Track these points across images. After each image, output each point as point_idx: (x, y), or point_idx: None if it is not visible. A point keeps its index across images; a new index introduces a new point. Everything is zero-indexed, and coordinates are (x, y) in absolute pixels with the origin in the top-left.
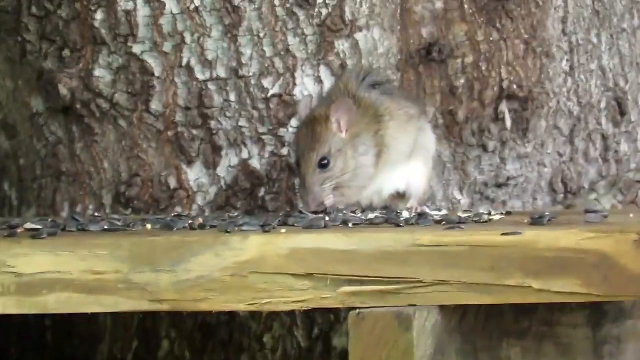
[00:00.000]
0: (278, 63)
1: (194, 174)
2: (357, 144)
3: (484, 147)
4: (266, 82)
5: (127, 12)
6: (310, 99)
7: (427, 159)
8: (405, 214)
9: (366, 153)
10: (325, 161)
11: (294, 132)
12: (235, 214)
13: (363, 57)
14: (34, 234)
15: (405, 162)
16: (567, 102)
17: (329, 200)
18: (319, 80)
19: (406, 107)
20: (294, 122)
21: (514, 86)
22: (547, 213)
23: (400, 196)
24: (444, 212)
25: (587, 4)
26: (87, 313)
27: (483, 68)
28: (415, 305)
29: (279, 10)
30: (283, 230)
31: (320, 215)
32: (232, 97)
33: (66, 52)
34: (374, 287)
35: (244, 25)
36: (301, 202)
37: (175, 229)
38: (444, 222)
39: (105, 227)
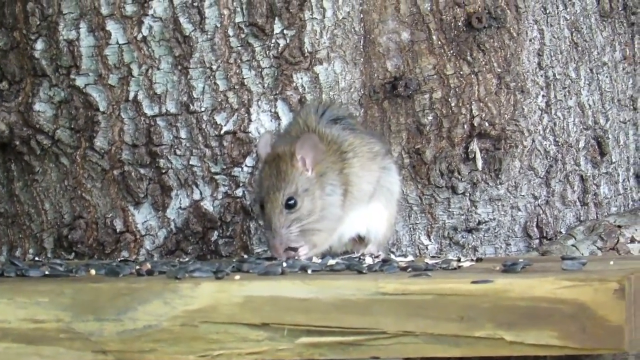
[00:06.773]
0: (232, 98)
1: (142, 217)
2: (324, 184)
3: (454, 189)
4: (219, 118)
5: (70, 42)
6: (270, 136)
7: (389, 201)
8: (368, 260)
9: (333, 193)
10: (293, 201)
11: (257, 171)
12: (186, 259)
13: (324, 91)
14: None
15: (367, 203)
16: (543, 141)
17: (303, 250)
18: (276, 117)
19: (370, 144)
20: (249, 161)
21: (486, 124)
22: (521, 260)
23: (361, 240)
24: (410, 258)
25: (565, 36)
26: None
27: (453, 104)
28: (378, 358)
29: (233, 41)
30: (237, 277)
31: (277, 261)
32: (183, 134)
33: (4, 85)
34: (334, 339)
35: (196, 57)
36: (267, 246)
37: (121, 275)
38: (410, 269)
39: (47, 272)
